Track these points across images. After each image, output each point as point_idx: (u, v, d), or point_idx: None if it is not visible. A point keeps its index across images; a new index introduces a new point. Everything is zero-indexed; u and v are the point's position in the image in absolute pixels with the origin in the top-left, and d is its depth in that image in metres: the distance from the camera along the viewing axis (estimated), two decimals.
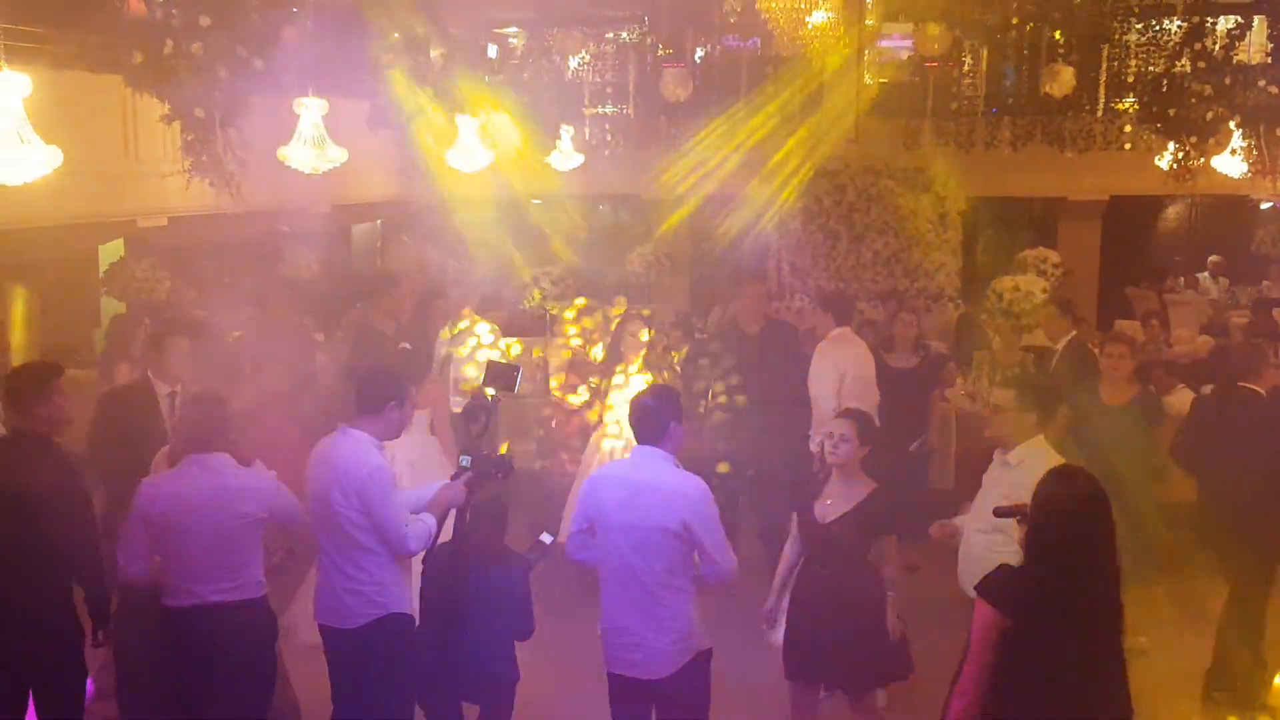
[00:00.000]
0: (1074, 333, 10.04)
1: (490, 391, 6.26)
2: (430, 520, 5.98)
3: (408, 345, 9.77)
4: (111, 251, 12.84)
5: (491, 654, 6.30)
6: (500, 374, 6.32)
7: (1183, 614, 9.17)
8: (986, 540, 6.14)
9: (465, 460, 6.13)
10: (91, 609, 6.25)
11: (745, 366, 9.39)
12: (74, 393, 10.62)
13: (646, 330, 9.51)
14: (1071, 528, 4.52)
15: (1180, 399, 10.99)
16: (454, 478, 6.14)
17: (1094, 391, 8.74)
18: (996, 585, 4.66)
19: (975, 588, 4.72)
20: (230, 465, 5.91)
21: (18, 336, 12.01)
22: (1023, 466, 6.10)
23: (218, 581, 5.79)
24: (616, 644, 5.76)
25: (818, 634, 6.43)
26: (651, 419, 5.75)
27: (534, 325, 15.15)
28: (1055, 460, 5.93)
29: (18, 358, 10.96)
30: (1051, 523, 4.56)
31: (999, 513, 4.99)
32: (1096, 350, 9.81)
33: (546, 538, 6.22)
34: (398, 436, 6.29)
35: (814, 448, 8.90)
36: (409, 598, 6.05)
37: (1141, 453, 8.40)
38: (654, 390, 6.06)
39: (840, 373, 9.30)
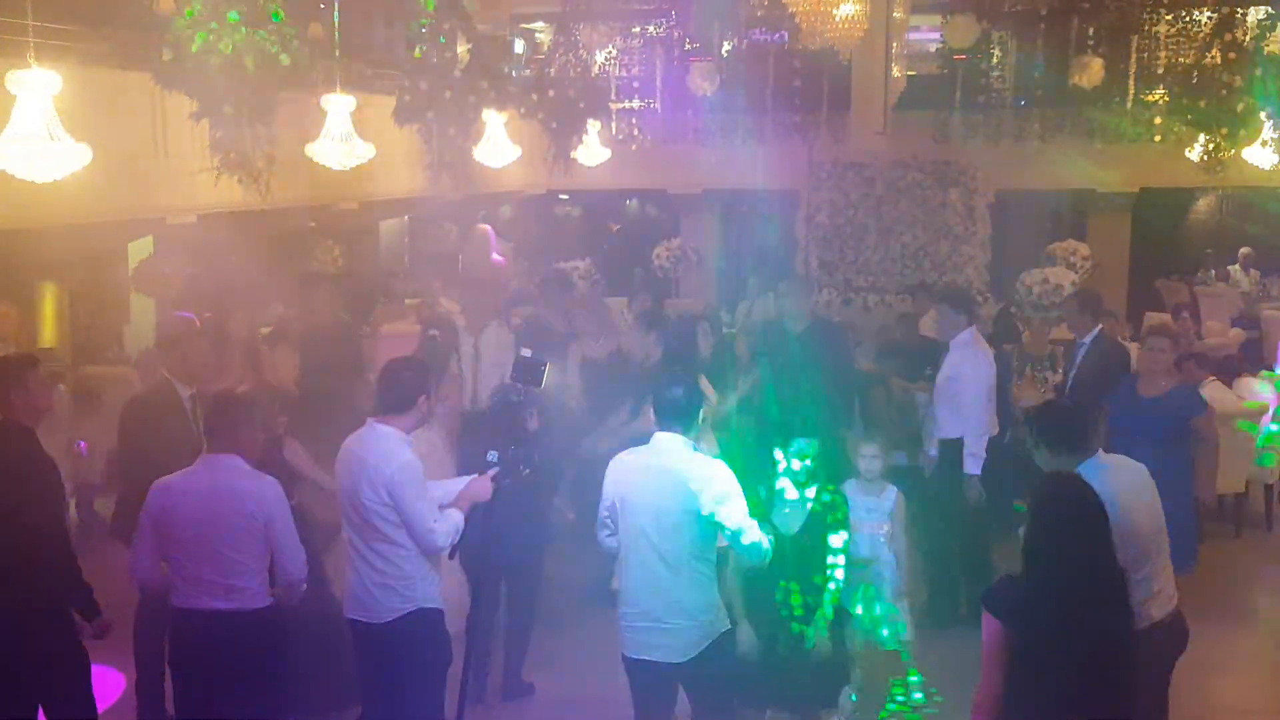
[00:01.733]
0: (1099, 327, 9.96)
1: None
2: (458, 516, 5.98)
3: (435, 333, 9.77)
4: (141, 249, 12.90)
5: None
6: (528, 369, 6.32)
7: (1212, 606, 9.12)
8: None
9: (492, 456, 6.13)
10: (71, 602, 6.21)
11: (790, 365, 9.27)
12: (108, 389, 10.75)
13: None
14: (1063, 534, 4.52)
15: (1211, 391, 10.93)
16: (481, 474, 6.14)
17: (1130, 385, 8.71)
18: (998, 596, 4.65)
19: (981, 600, 4.71)
20: (239, 467, 5.87)
21: (48, 333, 12.08)
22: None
23: (218, 587, 5.75)
24: (639, 628, 5.74)
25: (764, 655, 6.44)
26: (683, 408, 5.75)
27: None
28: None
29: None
30: (1043, 530, 4.57)
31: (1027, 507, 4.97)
32: (1124, 342, 9.77)
33: (492, 455, 6.19)
34: (422, 426, 6.31)
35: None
36: (439, 592, 6.05)
37: (1178, 445, 8.36)
38: (681, 379, 6.01)
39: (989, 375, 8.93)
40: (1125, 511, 5.31)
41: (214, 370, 8.59)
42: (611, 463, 5.96)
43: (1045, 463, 5.73)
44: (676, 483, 5.61)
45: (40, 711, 6.05)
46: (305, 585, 6.09)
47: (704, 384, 8.91)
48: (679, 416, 5.75)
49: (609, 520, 5.88)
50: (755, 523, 5.76)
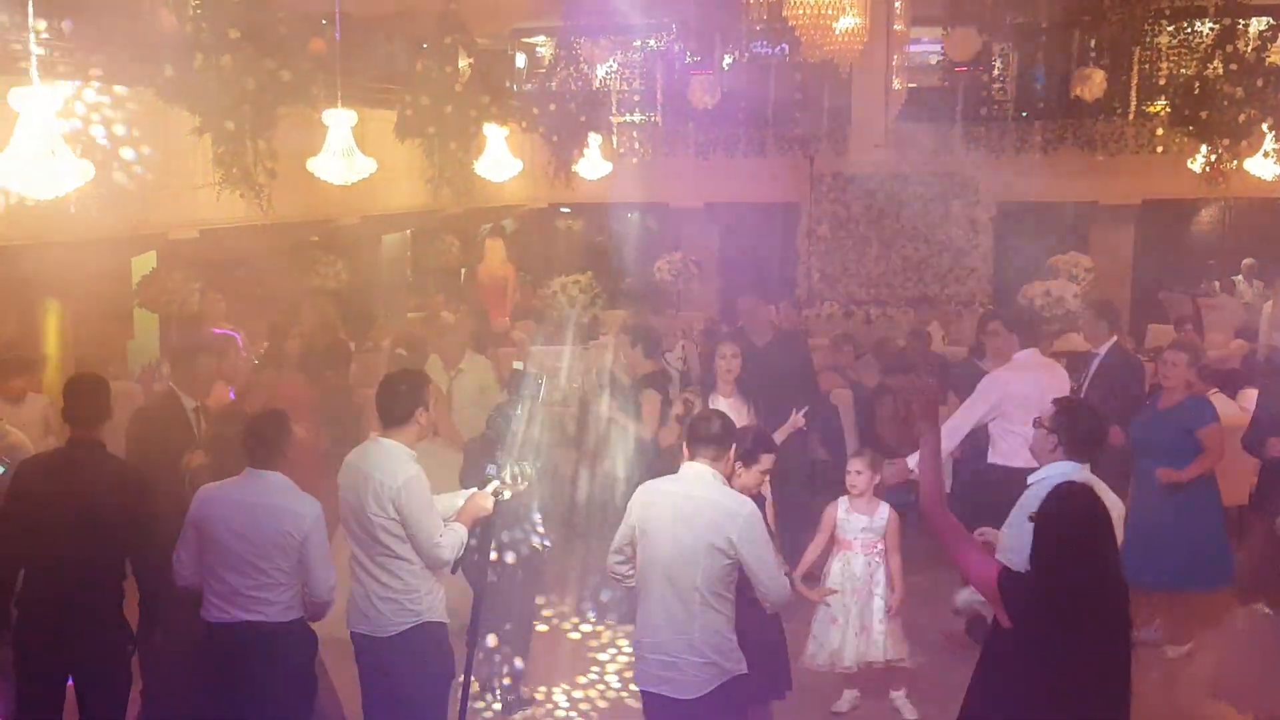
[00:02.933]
0: (1114, 338, 9.97)
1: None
2: (461, 529, 5.98)
3: (402, 351, 9.75)
4: (144, 264, 12.91)
5: None
6: (526, 383, 6.32)
7: (1226, 620, 9.11)
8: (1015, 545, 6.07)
9: (491, 470, 6.14)
10: (143, 610, 6.25)
11: (754, 379, 9.25)
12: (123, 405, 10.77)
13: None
14: (1071, 543, 4.53)
15: (1214, 403, 10.92)
16: (480, 488, 6.15)
17: (1153, 402, 8.74)
18: (1013, 585, 4.66)
19: (1001, 572, 4.72)
20: (283, 484, 5.88)
21: (51, 349, 12.07)
22: (1045, 485, 6.00)
23: (249, 600, 5.77)
24: (650, 660, 5.62)
25: None
26: (717, 440, 5.66)
27: (561, 334, 15.17)
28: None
29: (51, 370, 11.00)
30: (1051, 538, 4.58)
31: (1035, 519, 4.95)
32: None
33: (491, 469, 6.19)
34: (423, 440, 6.30)
35: None
36: (443, 605, 6.05)
37: (1191, 455, 8.40)
38: (718, 414, 5.97)
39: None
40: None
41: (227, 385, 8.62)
42: (638, 490, 5.88)
43: (1043, 452, 5.83)
44: (702, 514, 5.49)
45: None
46: (331, 607, 6.08)
47: (651, 406, 8.95)
48: (711, 446, 5.66)
49: (626, 547, 5.77)
50: (779, 562, 5.70)
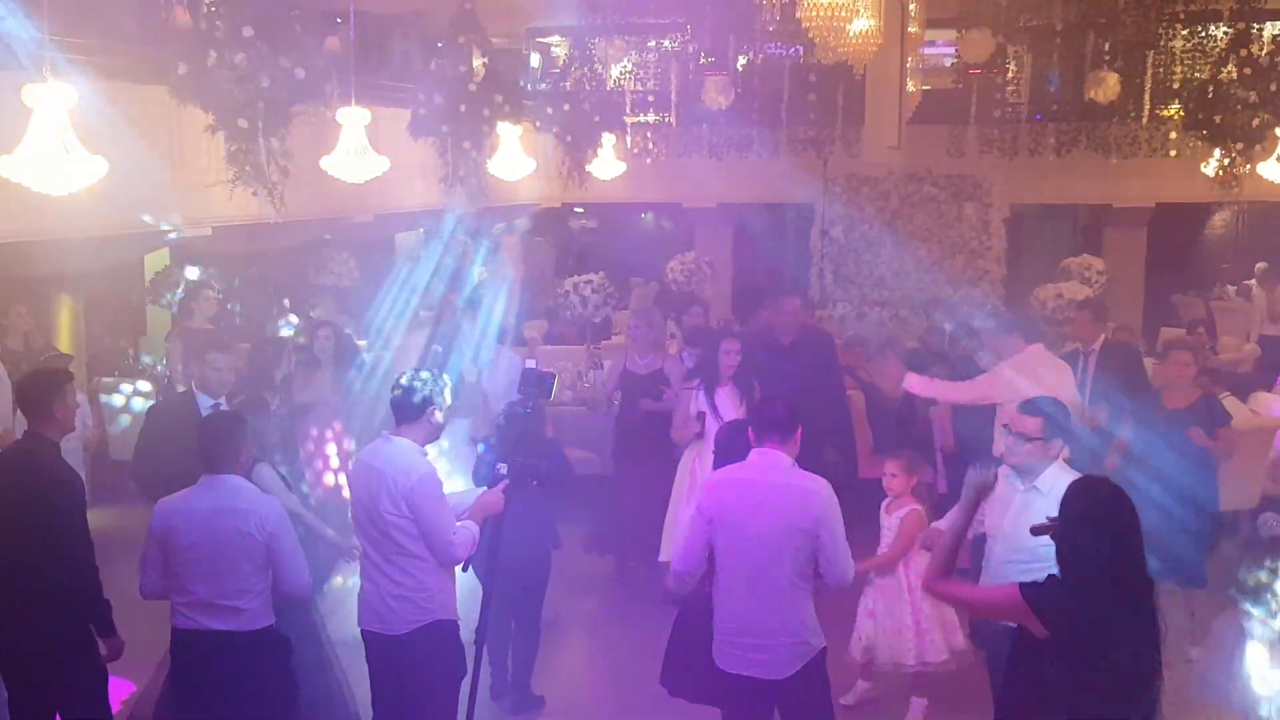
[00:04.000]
0: (1103, 335, 9.99)
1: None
2: (474, 527, 5.99)
3: (439, 349, 9.80)
4: (157, 261, 12.96)
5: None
6: (537, 381, 6.33)
7: (1218, 622, 9.10)
8: (1022, 571, 6.01)
9: (502, 468, 6.14)
10: (90, 619, 6.22)
11: (776, 377, 9.28)
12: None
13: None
14: (1102, 537, 4.52)
15: (1227, 406, 10.90)
16: (491, 485, 6.16)
17: (1155, 397, 8.75)
18: (1042, 593, 4.63)
19: (1020, 586, 4.69)
20: (239, 486, 5.88)
21: (63, 345, 12.13)
22: (1055, 492, 6.00)
23: (219, 608, 5.75)
24: (738, 644, 5.73)
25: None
26: (784, 424, 5.80)
27: (573, 335, 15.20)
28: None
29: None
30: (1082, 534, 4.55)
31: (1036, 531, 4.93)
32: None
33: (502, 467, 6.20)
34: (437, 439, 6.32)
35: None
36: (455, 604, 6.06)
37: (1202, 456, 8.40)
38: (784, 400, 6.07)
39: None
40: None
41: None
42: (707, 481, 6.03)
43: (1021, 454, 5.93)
44: (783, 498, 5.61)
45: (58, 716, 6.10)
46: (309, 597, 6.09)
47: (727, 393, 8.96)
48: (777, 430, 5.79)
49: (701, 538, 5.85)
50: (848, 547, 5.76)
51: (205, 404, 7.51)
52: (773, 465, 5.74)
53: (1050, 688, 4.58)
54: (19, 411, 6.25)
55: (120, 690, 7.55)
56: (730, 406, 8.91)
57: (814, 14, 10.79)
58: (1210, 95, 14.86)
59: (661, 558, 9.00)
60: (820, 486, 5.70)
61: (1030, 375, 8.34)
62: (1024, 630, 4.69)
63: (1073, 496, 4.68)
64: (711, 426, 8.78)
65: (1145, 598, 4.57)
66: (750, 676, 5.73)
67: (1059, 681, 4.53)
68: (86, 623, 6.12)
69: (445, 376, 6.16)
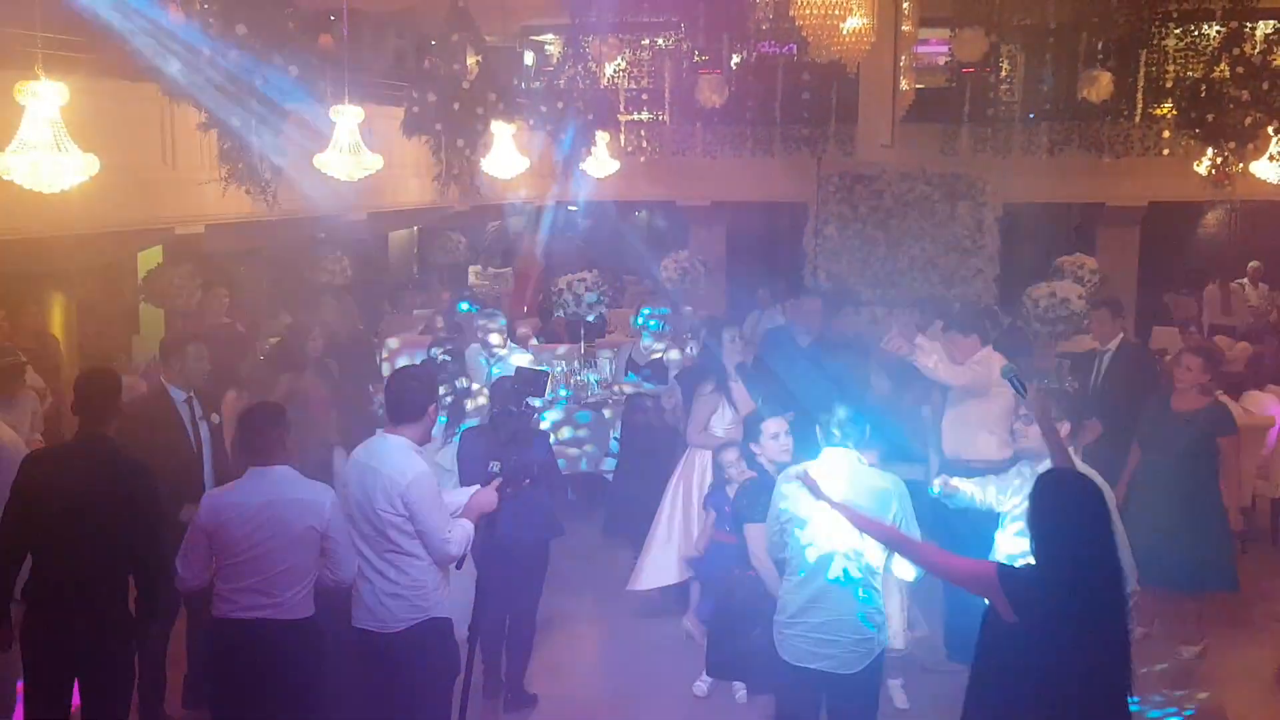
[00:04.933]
0: (1121, 334, 10.00)
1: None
2: (468, 525, 5.99)
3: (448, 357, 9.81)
4: (150, 258, 12.94)
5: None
6: (529, 380, 6.33)
7: (1218, 620, 9.14)
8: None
9: (495, 466, 6.14)
10: (141, 605, 6.24)
11: (798, 379, 9.27)
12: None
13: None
14: (1070, 528, 4.56)
15: None
16: (485, 484, 6.16)
17: (1163, 398, 8.77)
18: (1016, 578, 4.68)
19: (997, 566, 4.79)
20: (292, 478, 5.89)
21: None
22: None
23: (266, 597, 5.78)
24: (811, 638, 5.80)
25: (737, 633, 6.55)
26: (859, 424, 5.94)
27: (568, 333, 15.18)
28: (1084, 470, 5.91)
29: (55, 363, 11.01)
30: (1050, 525, 4.61)
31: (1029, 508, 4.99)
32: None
33: (494, 466, 6.21)
34: (429, 437, 6.32)
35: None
36: (449, 601, 6.07)
37: (1207, 460, 8.43)
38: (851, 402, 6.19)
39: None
40: None
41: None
42: (781, 479, 6.09)
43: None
44: (862, 495, 5.69)
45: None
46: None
47: (740, 391, 8.94)
48: (847, 434, 5.89)
49: (777, 538, 5.99)
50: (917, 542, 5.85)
51: (179, 397, 7.44)
52: (844, 465, 5.86)
53: (1019, 674, 4.61)
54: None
55: None
56: (744, 401, 8.89)
57: (807, 12, 10.81)
58: (1203, 94, 14.91)
59: (638, 587, 8.94)
60: (896, 483, 5.87)
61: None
62: (994, 613, 4.73)
63: (1041, 488, 4.73)
64: (734, 422, 8.80)
65: (1115, 589, 4.61)
66: (818, 670, 5.81)
67: (1028, 668, 4.56)
68: (143, 614, 6.13)
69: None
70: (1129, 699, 4.62)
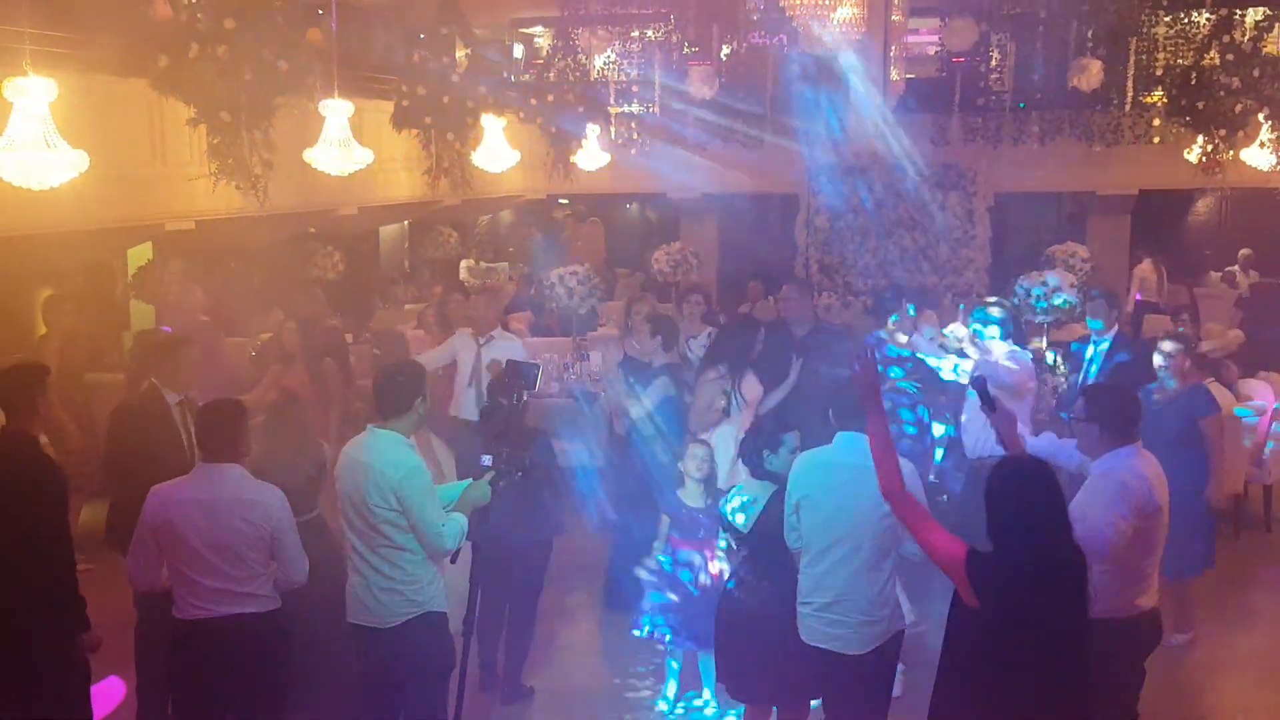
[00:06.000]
0: (1116, 325, 10.01)
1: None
2: (462, 519, 5.99)
3: (378, 351, 9.80)
4: (140, 255, 12.90)
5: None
6: (521, 372, 6.31)
7: (1212, 606, 9.16)
8: None
9: (487, 460, 6.13)
10: (64, 611, 6.15)
11: (789, 369, 9.23)
12: (109, 397, 10.75)
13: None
14: (1026, 513, 4.61)
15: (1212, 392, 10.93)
16: (477, 477, 6.15)
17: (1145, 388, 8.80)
18: (981, 564, 4.70)
19: (968, 551, 4.77)
20: (241, 477, 5.85)
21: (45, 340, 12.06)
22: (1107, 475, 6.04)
23: (224, 594, 5.73)
24: (822, 618, 5.86)
25: (746, 653, 6.45)
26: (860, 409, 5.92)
27: (560, 326, 15.18)
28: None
29: (49, 361, 10.96)
30: (1008, 512, 4.65)
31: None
32: None
33: (486, 459, 6.20)
34: (420, 429, 6.31)
35: None
36: (444, 596, 6.06)
37: (1190, 446, 8.44)
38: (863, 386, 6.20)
39: None
40: (1160, 503, 5.75)
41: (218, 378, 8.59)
42: (795, 464, 6.13)
43: (1092, 445, 5.90)
44: (870, 480, 5.62)
45: None
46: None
47: (751, 381, 8.91)
48: (859, 418, 5.82)
49: (792, 518, 6.05)
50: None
51: (172, 400, 7.40)
52: (856, 448, 5.82)
53: (983, 659, 4.66)
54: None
55: (112, 692, 7.55)
56: (753, 392, 8.86)
57: (798, 2, 10.80)
58: (1193, 82, 14.91)
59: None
60: (907, 468, 5.82)
61: None
62: (959, 599, 4.78)
63: (997, 475, 4.77)
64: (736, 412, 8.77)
65: (1074, 573, 4.65)
66: (830, 651, 5.86)
67: (991, 654, 4.60)
68: (67, 615, 6.05)
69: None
70: (1087, 687, 4.66)
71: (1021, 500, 4.64)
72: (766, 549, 6.35)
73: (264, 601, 5.83)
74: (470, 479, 6.23)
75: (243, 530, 5.72)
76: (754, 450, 6.56)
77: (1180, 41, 17.65)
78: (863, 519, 5.74)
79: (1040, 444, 6.79)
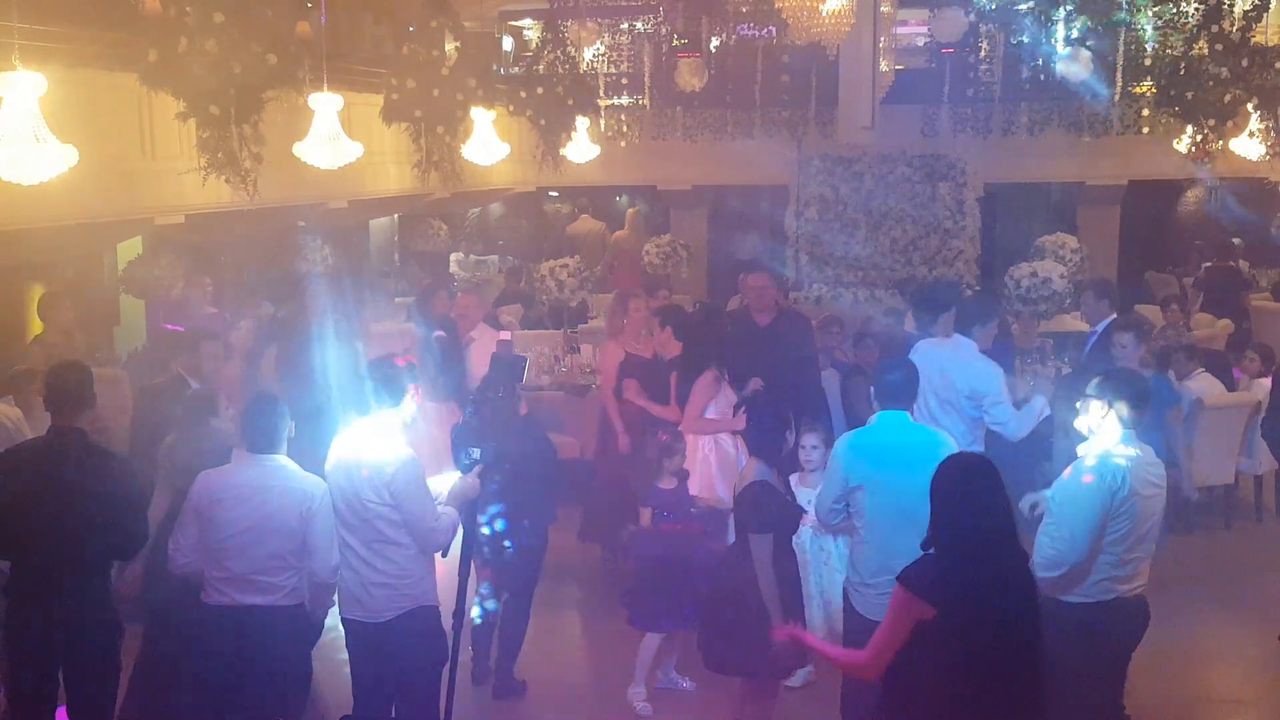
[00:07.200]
0: (1113, 315, 10.00)
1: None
2: (454, 512, 6.01)
3: (442, 334, 9.80)
4: (130, 249, 12.88)
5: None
6: (508, 365, 6.32)
7: (1202, 596, 9.21)
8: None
9: (475, 452, 6.14)
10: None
11: (756, 358, 9.25)
12: (100, 390, 10.74)
13: None
14: (966, 509, 4.62)
15: (1200, 383, 10.95)
16: (466, 470, 6.16)
17: None
18: (921, 574, 4.69)
19: (898, 578, 4.76)
20: (290, 469, 5.89)
21: (36, 334, 12.05)
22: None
23: (256, 584, 5.76)
24: (884, 592, 5.79)
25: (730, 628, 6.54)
26: (903, 388, 6.25)
27: (551, 319, 15.19)
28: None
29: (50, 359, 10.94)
30: (948, 508, 4.66)
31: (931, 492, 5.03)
32: None
33: (475, 452, 6.21)
34: (409, 422, 6.32)
35: None
36: (436, 589, 6.07)
37: (1155, 432, 8.47)
38: (899, 363, 6.48)
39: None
40: (1148, 495, 5.74)
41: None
42: (842, 444, 6.33)
43: (1119, 423, 5.83)
44: (923, 454, 5.79)
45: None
46: (334, 591, 6.07)
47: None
48: (900, 397, 6.18)
49: (841, 498, 6.25)
50: None
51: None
52: (901, 425, 6.15)
53: (934, 664, 4.63)
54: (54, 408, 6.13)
55: None
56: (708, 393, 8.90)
57: None
58: (1182, 72, 14.92)
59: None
60: (950, 440, 6.24)
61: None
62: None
63: (942, 471, 4.79)
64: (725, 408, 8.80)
65: (1018, 568, 4.68)
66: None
67: (942, 657, 4.58)
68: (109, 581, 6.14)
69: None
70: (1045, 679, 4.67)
71: (965, 495, 4.65)
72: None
73: (289, 594, 5.85)
74: (459, 472, 6.24)
75: (288, 520, 5.76)
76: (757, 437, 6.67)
77: (1169, 31, 17.67)
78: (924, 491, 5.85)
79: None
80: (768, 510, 6.32)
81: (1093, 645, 5.73)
